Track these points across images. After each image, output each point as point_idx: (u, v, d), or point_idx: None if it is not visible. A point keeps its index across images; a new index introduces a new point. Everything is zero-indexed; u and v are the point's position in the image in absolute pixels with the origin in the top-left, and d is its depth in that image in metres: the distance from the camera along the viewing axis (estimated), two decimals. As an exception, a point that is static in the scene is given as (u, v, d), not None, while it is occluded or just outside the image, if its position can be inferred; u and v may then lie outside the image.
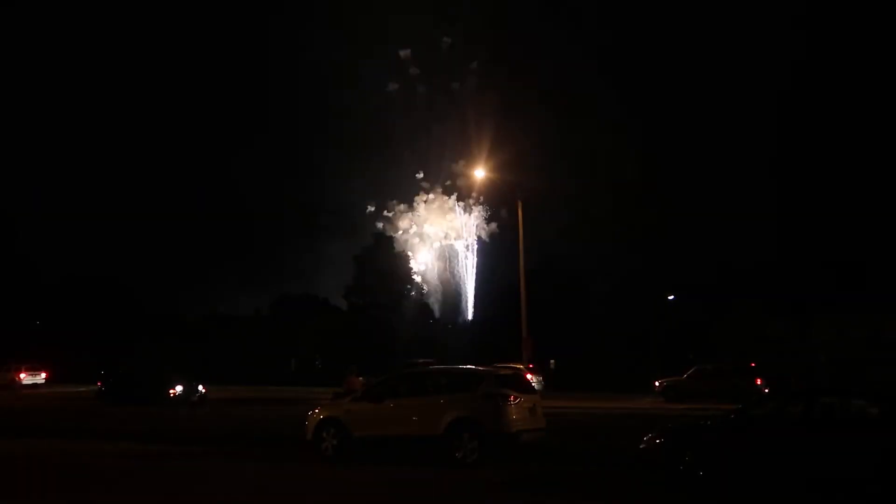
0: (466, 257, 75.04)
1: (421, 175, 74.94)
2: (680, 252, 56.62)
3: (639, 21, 78.14)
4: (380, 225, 73.37)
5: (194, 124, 78.78)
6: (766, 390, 28.52)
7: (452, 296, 74.53)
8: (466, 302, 73.74)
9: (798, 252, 56.43)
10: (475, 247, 74.65)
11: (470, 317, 71.23)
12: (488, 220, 73.89)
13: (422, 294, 70.26)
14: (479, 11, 74.44)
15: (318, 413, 14.48)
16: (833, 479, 9.64)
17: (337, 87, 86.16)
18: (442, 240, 75.73)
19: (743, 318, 59.09)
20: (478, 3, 74.59)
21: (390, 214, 75.21)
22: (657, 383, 34.12)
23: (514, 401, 12.91)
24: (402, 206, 75.29)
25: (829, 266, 57.14)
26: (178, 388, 28.96)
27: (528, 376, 20.86)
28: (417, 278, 70.29)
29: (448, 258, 75.87)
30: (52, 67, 78.00)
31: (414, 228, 75.55)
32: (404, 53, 73.34)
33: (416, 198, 75.23)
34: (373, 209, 75.00)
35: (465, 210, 74.78)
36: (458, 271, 75.28)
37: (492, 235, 73.61)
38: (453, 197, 74.81)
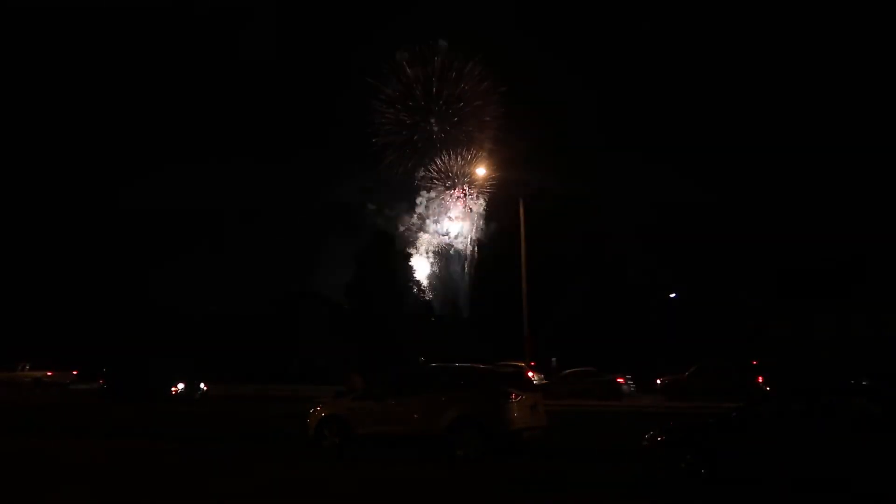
0: (467, 255, 75.14)
1: (422, 174, 75.04)
2: (682, 250, 56.58)
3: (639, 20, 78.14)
4: (381, 223, 73.54)
5: (196, 123, 78.76)
6: (768, 388, 28.51)
7: (453, 294, 74.63)
8: (467, 300, 73.78)
9: (799, 247, 56.43)
10: (476, 244, 74.73)
11: (471, 315, 71.27)
12: (489, 218, 73.95)
13: (422, 292, 70.31)
14: (475, 13, 74.48)
15: (319, 411, 14.49)
16: (836, 479, 9.63)
17: (339, 87, 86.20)
18: (442, 237, 75.88)
19: (744, 315, 59.05)
20: (474, 6, 74.62)
21: (391, 213, 75.44)
22: (659, 381, 34.12)
23: (515, 399, 12.90)
24: (402, 205, 75.51)
25: (831, 262, 57.05)
26: (180, 386, 29.03)
27: (530, 374, 20.90)
28: (418, 276, 70.39)
29: (448, 256, 76.00)
30: (53, 64, 77.86)
31: (415, 226, 75.73)
32: (400, 55, 73.25)
33: (417, 196, 75.42)
34: (374, 207, 75.25)
35: (465, 208, 74.89)
36: (458, 269, 75.38)
37: (493, 233, 73.65)
38: (454, 195, 74.92)
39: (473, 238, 74.69)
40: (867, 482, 9.35)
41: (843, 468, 9.51)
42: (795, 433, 10.10)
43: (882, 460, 9.22)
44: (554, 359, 45.47)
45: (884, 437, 9.46)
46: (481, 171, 55.15)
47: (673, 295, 55.37)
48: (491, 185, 67.05)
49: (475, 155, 67.49)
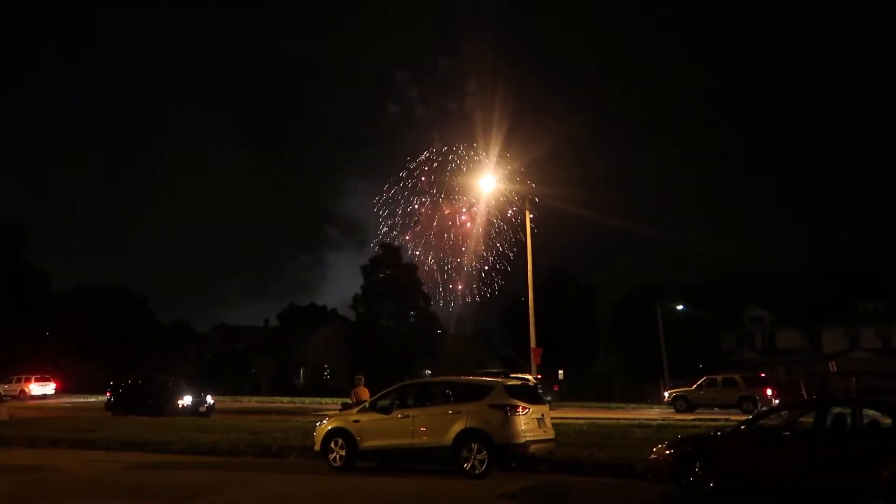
0: (474, 268, 74.91)
1: (428, 187, 74.95)
2: (690, 262, 56.55)
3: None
4: (387, 236, 73.44)
5: (203, 135, 79.40)
6: (777, 401, 28.33)
7: (459, 306, 74.41)
8: (474, 312, 73.57)
9: (808, 261, 56.49)
10: (483, 257, 74.54)
11: (478, 327, 71.09)
12: (496, 231, 73.77)
13: (429, 304, 70.22)
14: (474, 34, 74.88)
15: (326, 424, 14.45)
16: (845, 491, 9.54)
17: (344, 106, 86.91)
18: (449, 250, 75.69)
19: (753, 328, 58.76)
20: (473, 25, 75.04)
21: (397, 225, 75.33)
22: (667, 393, 33.98)
23: (522, 411, 12.83)
24: (408, 217, 75.34)
25: (839, 275, 56.86)
26: (187, 399, 28.97)
27: (537, 387, 20.81)
28: (425, 289, 70.27)
29: (455, 268, 75.79)
30: (61, 71, 78.75)
31: (422, 239, 75.57)
32: (401, 76, 73.44)
33: (423, 209, 75.25)
34: (380, 220, 75.19)
35: (472, 221, 74.73)
36: (465, 281, 75.16)
37: (499, 245, 73.50)
38: (460, 207, 74.75)
39: (481, 250, 74.49)
40: (878, 494, 9.26)
41: (852, 480, 9.42)
42: (804, 445, 10.03)
43: (892, 472, 9.12)
44: (561, 371, 45.35)
45: (893, 448, 9.37)
46: (487, 185, 54.06)
47: (681, 307, 55.14)
48: (499, 197, 66.68)
49: (482, 166, 67.07)
